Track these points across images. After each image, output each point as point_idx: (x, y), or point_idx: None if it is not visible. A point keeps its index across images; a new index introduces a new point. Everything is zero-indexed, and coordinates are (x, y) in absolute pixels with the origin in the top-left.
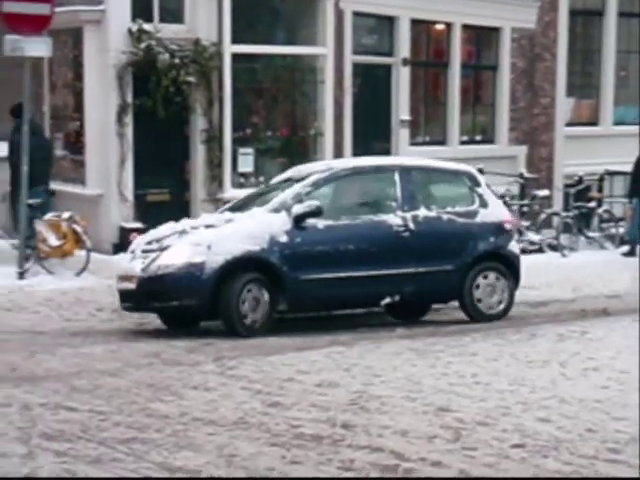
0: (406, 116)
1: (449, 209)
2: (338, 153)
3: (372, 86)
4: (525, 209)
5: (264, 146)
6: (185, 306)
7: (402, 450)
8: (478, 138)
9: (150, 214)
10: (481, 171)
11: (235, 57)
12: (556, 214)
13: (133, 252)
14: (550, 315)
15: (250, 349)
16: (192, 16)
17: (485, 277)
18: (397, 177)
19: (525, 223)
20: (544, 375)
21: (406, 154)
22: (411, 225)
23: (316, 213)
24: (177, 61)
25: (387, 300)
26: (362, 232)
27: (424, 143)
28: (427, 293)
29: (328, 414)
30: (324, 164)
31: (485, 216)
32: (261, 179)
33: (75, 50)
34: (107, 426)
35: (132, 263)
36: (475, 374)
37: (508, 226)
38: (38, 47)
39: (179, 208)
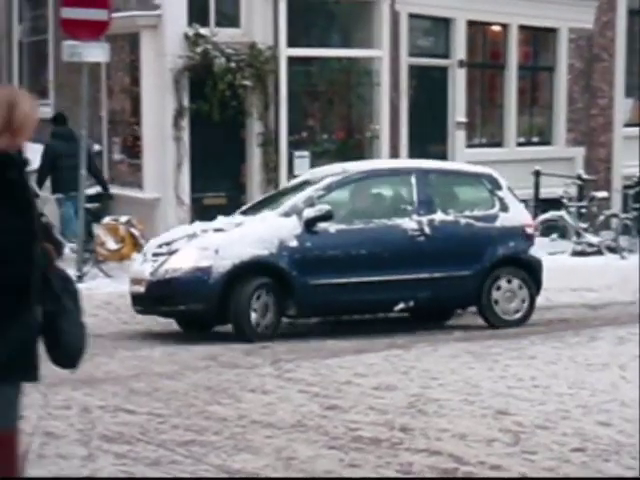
0: (462, 118)
1: (467, 213)
2: (394, 155)
3: (428, 88)
4: (583, 211)
5: (320, 149)
6: (192, 310)
7: (461, 453)
8: (535, 140)
9: (206, 217)
10: (538, 173)
11: (291, 60)
12: (615, 216)
13: (145, 254)
14: (609, 318)
15: (307, 352)
16: (248, 20)
17: (504, 283)
18: (414, 180)
19: (583, 225)
20: (604, 378)
21: (462, 156)
22: (427, 229)
23: (327, 217)
24: (233, 65)
25: (401, 306)
26: (375, 236)
27: (480, 145)
28: (443, 299)
29: (386, 417)
30: (340, 167)
31: (505, 220)
32: None
33: (132, 55)
34: (166, 428)
35: (142, 266)
36: (534, 377)
37: (530, 231)
38: (96, 52)
39: (235, 211)
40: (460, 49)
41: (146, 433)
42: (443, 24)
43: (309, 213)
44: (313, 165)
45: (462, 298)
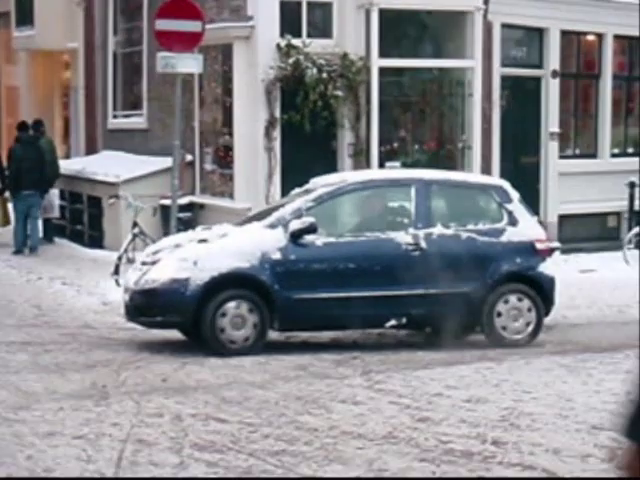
0: (556, 129)
1: (470, 227)
2: (486, 166)
3: (521, 99)
4: None
5: (411, 160)
6: (169, 322)
7: (555, 469)
8: (630, 150)
9: None
10: (633, 184)
11: (382, 71)
12: None
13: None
14: None
15: (398, 363)
16: (340, 31)
17: (508, 301)
18: (413, 192)
19: None
20: None
21: (555, 167)
22: (423, 243)
23: (310, 230)
24: (325, 75)
25: (392, 322)
26: (365, 250)
27: (574, 156)
28: (439, 316)
29: (478, 430)
30: (340, 177)
31: (513, 235)
32: None
33: (225, 66)
34: (257, 438)
35: (131, 274)
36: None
37: (540, 246)
38: (189, 64)
39: None
40: (554, 59)
41: (237, 442)
42: (536, 34)
43: (294, 225)
44: None
45: (460, 315)
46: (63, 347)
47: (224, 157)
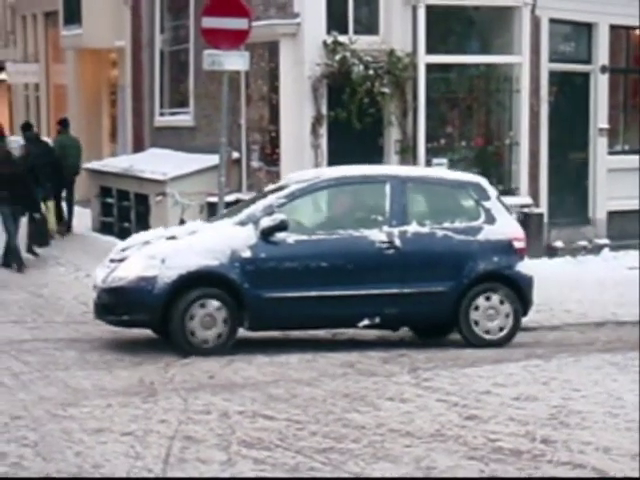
0: (604, 124)
1: (446, 225)
2: (534, 162)
3: (569, 94)
4: None
5: (458, 156)
6: (136, 321)
7: (605, 467)
8: None
9: None
10: None
11: (429, 67)
12: None
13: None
14: None
15: (445, 361)
16: (386, 27)
17: (485, 300)
18: (388, 189)
19: None
20: None
21: (604, 163)
22: (397, 241)
23: (281, 227)
24: (371, 72)
25: (365, 322)
26: (338, 248)
27: (623, 152)
28: (413, 315)
29: (527, 428)
30: (316, 172)
31: (490, 233)
32: None
33: (271, 63)
34: (304, 435)
35: (99, 271)
36: None
37: (518, 245)
38: (236, 61)
39: None
40: (602, 54)
41: (284, 439)
42: (585, 29)
43: (265, 222)
44: None
45: (435, 315)
46: (111, 344)
47: (270, 154)
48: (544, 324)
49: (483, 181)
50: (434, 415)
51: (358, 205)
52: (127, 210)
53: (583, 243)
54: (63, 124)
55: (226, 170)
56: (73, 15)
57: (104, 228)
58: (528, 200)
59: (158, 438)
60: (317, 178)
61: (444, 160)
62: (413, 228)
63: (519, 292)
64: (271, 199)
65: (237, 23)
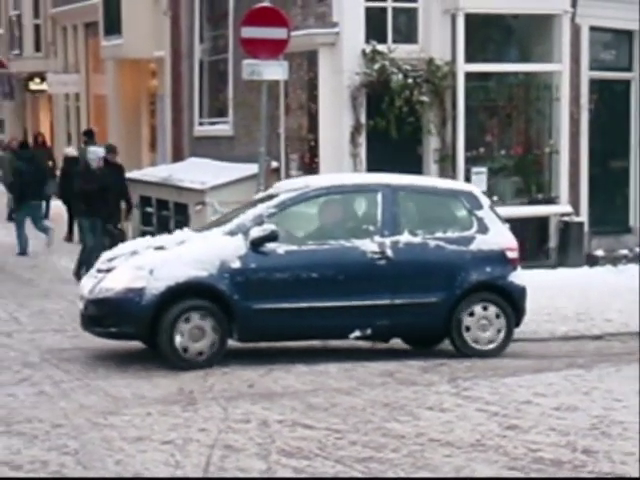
0: None
1: (439, 234)
2: (574, 171)
3: (609, 102)
4: None
5: (497, 165)
6: (123, 333)
7: None
8: None
9: None
10: None
11: (468, 76)
12: None
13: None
14: None
15: (485, 370)
16: (425, 36)
17: (477, 311)
18: (380, 198)
19: None
20: None
21: None
22: (389, 252)
23: (271, 238)
24: (410, 81)
25: (357, 334)
26: (328, 259)
27: None
28: (405, 326)
29: (568, 438)
30: (303, 181)
31: (483, 243)
32: (494, 198)
33: (310, 72)
34: (344, 444)
35: (86, 281)
36: None
37: (511, 255)
38: (275, 70)
39: None
40: None
41: (324, 448)
42: (625, 36)
43: (254, 233)
44: (490, 181)
45: (428, 326)
46: (150, 353)
47: (309, 163)
48: (585, 333)
49: (476, 190)
50: (474, 425)
51: (349, 215)
52: (166, 219)
53: (624, 252)
54: (88, 135)
55: (265, 179)
56: (113, 25)
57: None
58: (568, 209)
59: (198, 447)
60: (307, 187)
61: (483, 169)
62: (405, 238)
63: (512, 302)
64: (261, 208)
65: (276, 33)
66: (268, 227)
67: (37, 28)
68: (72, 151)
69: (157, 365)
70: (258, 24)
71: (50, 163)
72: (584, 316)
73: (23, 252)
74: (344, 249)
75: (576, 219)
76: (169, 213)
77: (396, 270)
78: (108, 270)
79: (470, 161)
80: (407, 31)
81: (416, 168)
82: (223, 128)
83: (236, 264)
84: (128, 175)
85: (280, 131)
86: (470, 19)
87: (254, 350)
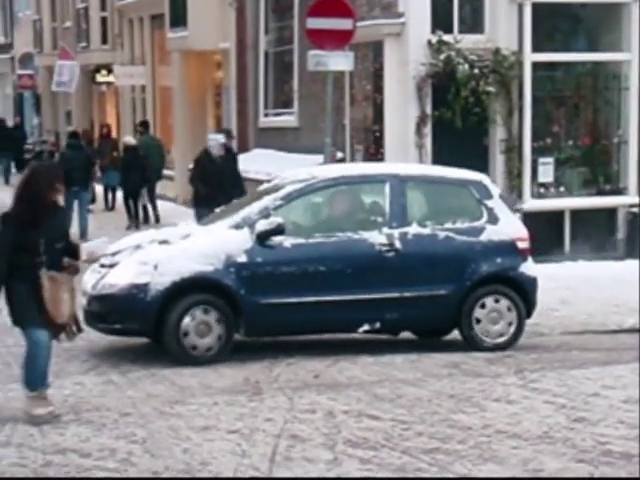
0: None
1: (448, 225)
2: None
3: None
4: None
5: (564, 155)
6: (128, 330)
7: None
8: None
9: None
10: None
11: (535, 65)
12: None
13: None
14: None
15: (552, 362)
16: (492, 26)
17: (487, 303)
18: (387, 188)
19: None
20: None
21: None
22: (397, 244)
23: (277, 231)
24: (476, 71)
25: (365, 327)
26: (336, 252)
27: None
28: (414, 320)
29: (637, 431)
30: (308, 172)
31: (493, 233)
32: (561, 189)
33: (375, 63)
34: (410, 435)
35: (89, 276)
36: None
37: (522, 245)
38: (340, 61)
39: None
40: None
41: (390, 439)
42: None
43: (261, 226)
44: (557, 172)
45: (437, 319)
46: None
47: (375, 154)
48: None
49: (485, 179)
50: (541, 417)
51: (356, 206)
52: None
53: None
54: (144, 125)
55: None
56: (179, 18)
57: None
58: (636, 200)
59: (264, 436)
60: (314, 178)
61: (550, 159)
62: (414, 229)
63: (523, 294)
64: (267, 201)
65: (342, 23)
66: (275, 220)
67: (104, 21)
68: (131, 140)
69: (222, 355)
70: (324, 15)
71: (115, 154)
72: None
73: (83, 234)
74: (352, 241)
75: None
76: None
77: (405, 262)
78: (111, 265)
79: (537, 152)
80: (473, 21)
81: (482, 159)
82: (288, 119)
83: (242, 258)
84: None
85: (345, 122)
86: (537, 8)
87: (320, 341)
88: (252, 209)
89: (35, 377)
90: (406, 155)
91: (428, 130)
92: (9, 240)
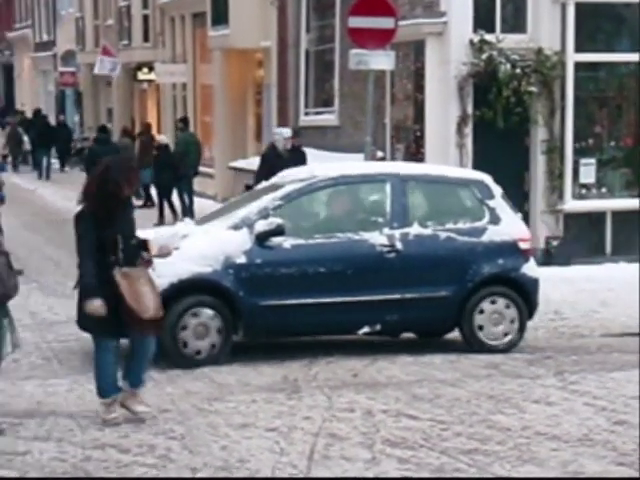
0: None
1: (449, 226)
2: None
3: None
4: None
5: (606, 156)
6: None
7: None
8: None
9: None
10: None
11: (577, 66)
12: None
13: None
14: None
15: (592, 364)
16: (534, 26)
17: (489, 304)
18: (388, 188)
19: None
20: None
21: None
22: (398, 245)
23: (277, 232)
24: (518, 71)
25: (366, 329)
26: (337, 253)
27: None
28: (415, 321)
29: None
30: (308, 171)
31: (495, 234)
32: (603, 190)
33: (417, 62)
34: (448, 436)
35: None
36: None
37: (524, 245)
38: (382, 60)
39: None
40: None
41: (429, 439)
42: None
43: (260, 227)
44: (599, 173)
45: (438, 320)
46: (254, 341)
47: (415, 153)
48: None
49: (487, 178)
50: (581, 419)
51: (357, 206)
52: None
53: None
54: (184, 122)
55: None
56: (220, 16)
57: None
58: None
59: (302, 435)
60: (313, 178)
61: (592, 160)
62: (415, 230)
63: (525, 295)
64: (266, 201)
65: (383, 22)
66: (274, 221)
67: (146, 18)
68: (164, 139)
69: (261, 353)
70: (365, 14)
71: (154, 152)
72: None
73: None
74: (352, 242)
75: None
76: None
77: (406, 263)
78: None
79: (578, 152)
80: (515, 21)
81: (523, 159)
82: (329, 118)
83: (241, 259)
84: (234, 164)
85: (386, 121)
86: (580, 8)
87: (359, 340)
88: (251, 209)
89: (103, 384)
90: (447, 155)
91: (469, 130)
92: (91, 238)
